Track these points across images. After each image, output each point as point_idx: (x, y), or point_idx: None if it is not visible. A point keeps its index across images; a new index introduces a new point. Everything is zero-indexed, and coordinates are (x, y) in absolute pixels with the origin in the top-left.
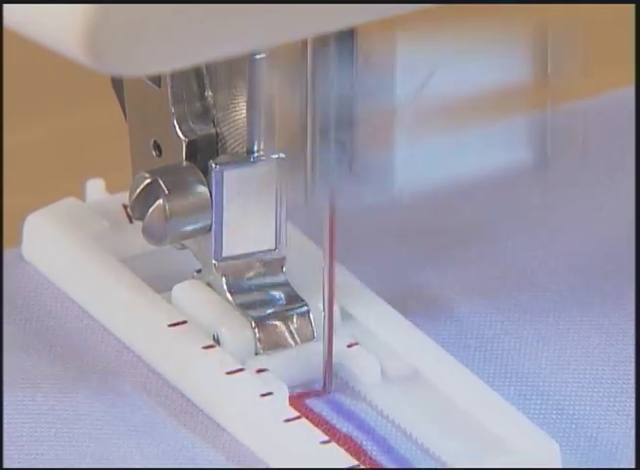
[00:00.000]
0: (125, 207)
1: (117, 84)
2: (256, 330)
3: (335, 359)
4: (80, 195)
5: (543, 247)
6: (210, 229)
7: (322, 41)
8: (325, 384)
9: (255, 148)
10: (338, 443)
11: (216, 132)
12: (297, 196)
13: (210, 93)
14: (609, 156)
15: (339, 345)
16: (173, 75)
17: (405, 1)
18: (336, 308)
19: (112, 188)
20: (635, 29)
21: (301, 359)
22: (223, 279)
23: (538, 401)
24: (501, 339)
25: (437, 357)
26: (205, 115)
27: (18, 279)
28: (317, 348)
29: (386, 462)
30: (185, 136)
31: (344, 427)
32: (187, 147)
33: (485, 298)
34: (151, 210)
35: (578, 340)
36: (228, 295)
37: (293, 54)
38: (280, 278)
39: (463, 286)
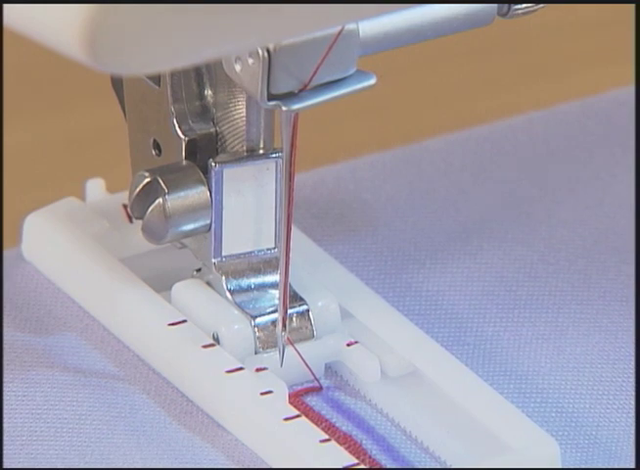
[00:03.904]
0: (125, 206)
1: (117, 84)
2: (256, 329)
3: (335, 358)
4: (80, 195)
5: (543, 241)
6: (210, 228)
7: None
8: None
9: (255, 147)
10: (337, 441)
11: (216, 131)
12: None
13: (210, 92)
14: (609, 153)
15: (338, 343)
16: (173, 75)
17: (404, 1)
18: (335, 307)
19: (112, 188)
20: (635, 29)
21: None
22: (223, 278)
23: (538, 400)
24: (500, 336)
25: (437, 356)
26: (205, 114)
27: (18, 279)
28: (317, 347)
29: (385, 461)
30: (185, 135)
31: (344, 425)
32: (186, 146)
33: (485, 293)
34: (150, 208)
35: (578, 337)
36: (228, 294)
37: None
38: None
39: (462, 281)
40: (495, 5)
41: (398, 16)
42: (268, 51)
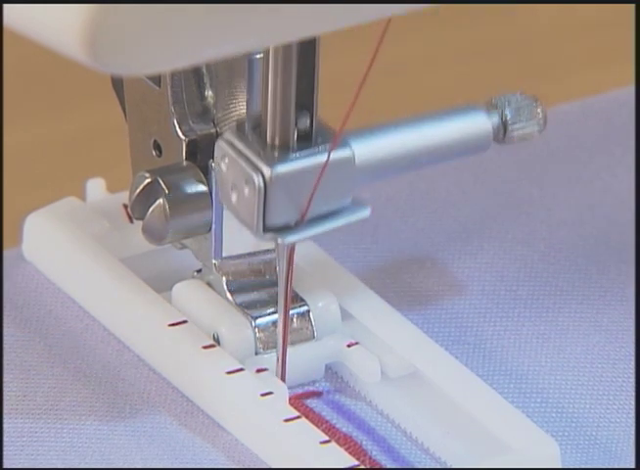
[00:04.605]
0: (126, 206)
1: (117, 84)
2: (256, 330)
3: (335, 359)
4: (80, 194)
5: (543, 241)
6: (210, 229)
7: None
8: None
9: None
10: (337, 442)
11: (216, 132)
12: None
13: (210, 93)
14: (609, 153)
15: (339, 344)
16: (173, 75)
17: (405, 1)
18: (336, 308)
19: (112, 188)
20: (635, 29)
21: (301, 359)
22: (223, 279)
23: (538, 400)
24: (501, 336)
25: (437, 357)
26: (205, 114)
27: (18, 279)
28: (317, 348)
29: (385, 462)
30: (185, 136)
31: (344, 427)
32: (187, 146)
33: (485, 292)
34: (151, 209)
35: (578, 337)
36: (228, 294)
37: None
38: None
39: (462, 281)
40: (491, 132)
41: (394, 146)
42: (264, 178)
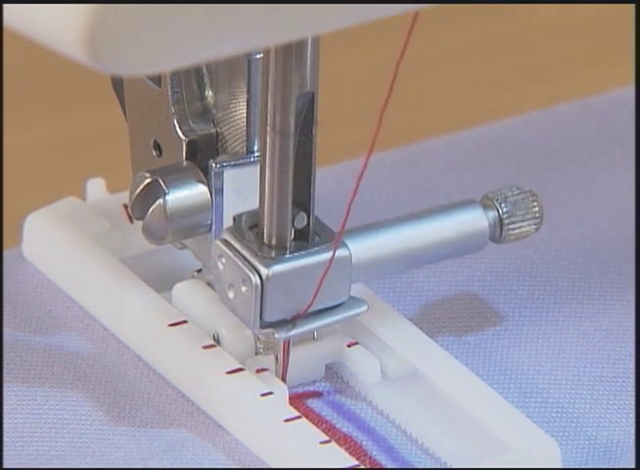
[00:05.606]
0: (126, 206)
1: (117, 84)
2: None
3: (335, 359)
4: (81, 194)
5: (543, 241)
6: (210, 229)
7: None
8: None
9: (255, 148)
10: (338, 442)
11: (216, 132)
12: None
13: (211, 93)
14: (609, 153)
15: (339, 344)
16: (173, 75)
17: (405, 1)
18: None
19: (112, 188)
20: (635, 29)
21: (301, 359)
22: None
23: (538, 400)
24: (501, 335)
25: (437, 357)
26: (206, 114)
27: (18, 279)
28: (317, 348)
29: (386, 462)
30: (185, 136)
31: (344, 427)
32: (187, 147)
33: (486, 292)
34: (151, 209)
35: (578, 337)
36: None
37: None
38: None
39: (462, 281)
40: (487, 231)
41: (392, 245)
42: (261, 278)
